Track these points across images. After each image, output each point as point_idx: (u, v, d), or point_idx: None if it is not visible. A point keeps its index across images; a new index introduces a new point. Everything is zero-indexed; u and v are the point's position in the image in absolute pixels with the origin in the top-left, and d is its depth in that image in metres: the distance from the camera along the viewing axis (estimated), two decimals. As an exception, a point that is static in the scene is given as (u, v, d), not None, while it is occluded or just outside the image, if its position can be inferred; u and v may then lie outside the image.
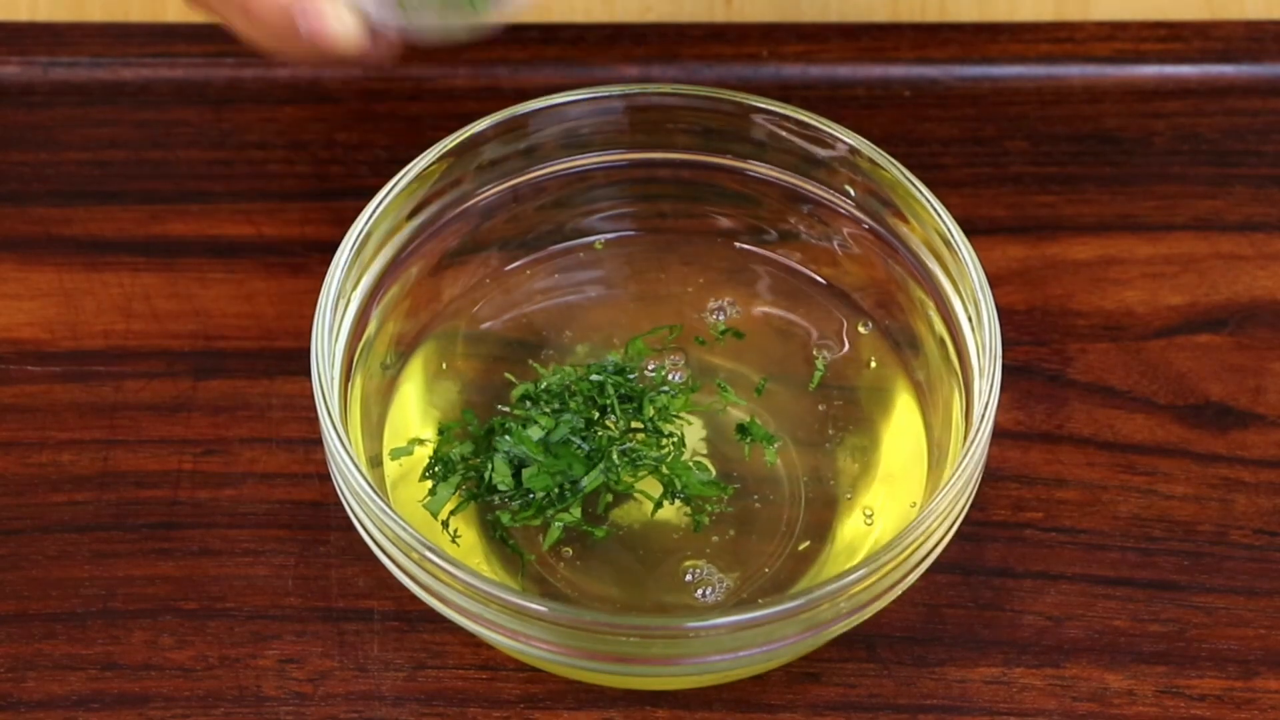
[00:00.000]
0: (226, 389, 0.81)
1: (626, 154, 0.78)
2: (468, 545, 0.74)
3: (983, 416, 0.70)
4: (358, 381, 0.74)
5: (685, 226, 0.80)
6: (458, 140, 0.75)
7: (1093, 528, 0.78)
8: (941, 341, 0.75)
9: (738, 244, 0.80)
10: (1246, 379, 0.82)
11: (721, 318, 0.79)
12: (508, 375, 0.76)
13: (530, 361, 0.77)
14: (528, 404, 0.75)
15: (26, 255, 0.85)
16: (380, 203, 0.74)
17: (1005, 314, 0.81)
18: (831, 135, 0.76)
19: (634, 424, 0.75)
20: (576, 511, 0.73)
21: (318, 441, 0.77)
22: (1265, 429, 0.80)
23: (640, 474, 0.74)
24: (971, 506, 0.72)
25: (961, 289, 0.73)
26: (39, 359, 0.82)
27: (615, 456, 0.74)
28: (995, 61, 0.90)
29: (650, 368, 0.77)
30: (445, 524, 0.73)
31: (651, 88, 0.77)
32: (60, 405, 0.81)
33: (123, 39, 0.90)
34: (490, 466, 0.73)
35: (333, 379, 0.71)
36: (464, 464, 0.74)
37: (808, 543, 0.74)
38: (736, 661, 0.68)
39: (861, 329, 0.78)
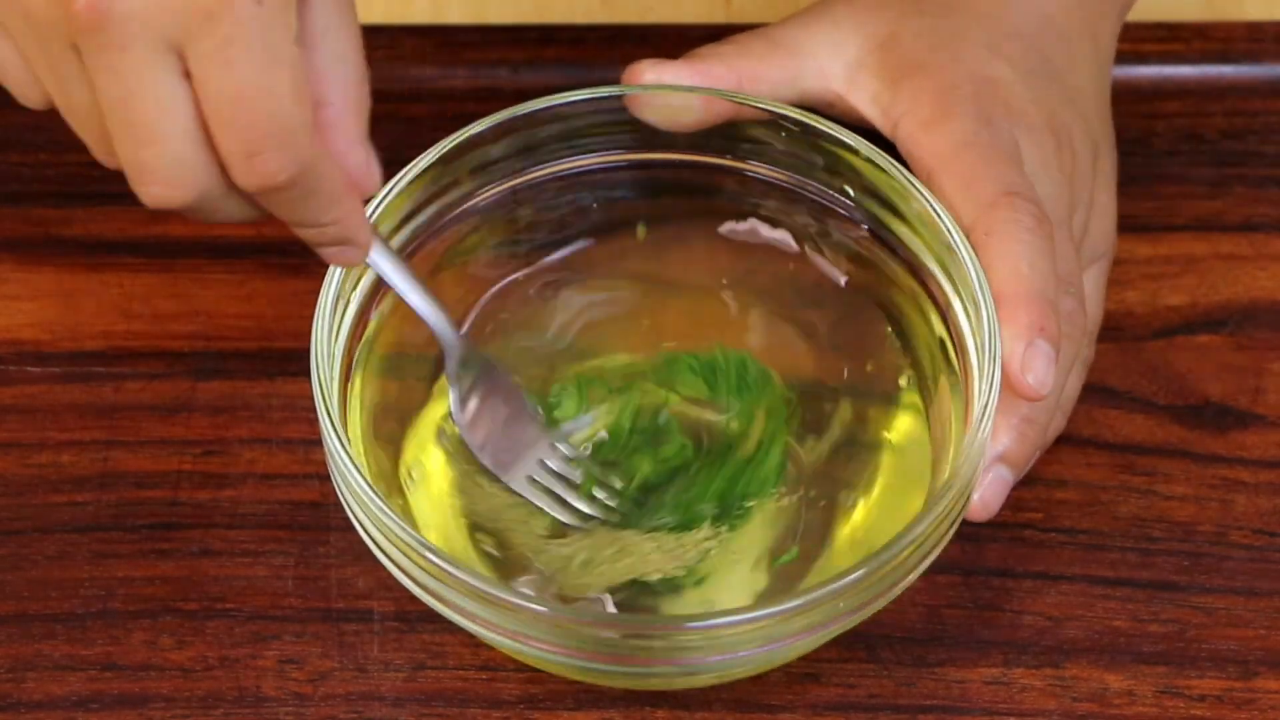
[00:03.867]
0: (226, 389, 0.81)
1: (626, 154, 0.78)
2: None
3: (983, 416, 0.70)
4: (358, 381, 0.74)
5: (685, 227, 0.80)
6: (457, 141, 0.75)
7: (1092, 528, 0.78)
8: (941, 342, 0.75)
9: (737, 245, 0.80)
10: (1246, 379, 0.82)
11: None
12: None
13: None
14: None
15: (26, 255, 0.85)
16: (380, 203, 0.74)
17: (1005, 314, 0.81)
18: (831, 135, 0.76)
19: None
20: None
21: (318, 441, 0.77)
22: (1265, 429, 0.80)
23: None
24: (971, 506, 0.72)
25: (961, 289, 0.73)
26: (39, 359, 0.82)
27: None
28: (995, 62, 0.89)
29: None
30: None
31: (651, 88, 0.77)
32: (60, 406, 0.81)
33: (123, 39, 0.90)
34: None
35: (333, 379, 0.71)
36: None
37: (809, 543, 0.74)
38: (736, 661, 0.68)
39: (864, 331, 0.78)
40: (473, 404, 0.75)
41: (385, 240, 0.71)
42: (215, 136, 0.61)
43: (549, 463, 0.75)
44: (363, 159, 0.65)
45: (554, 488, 0.75)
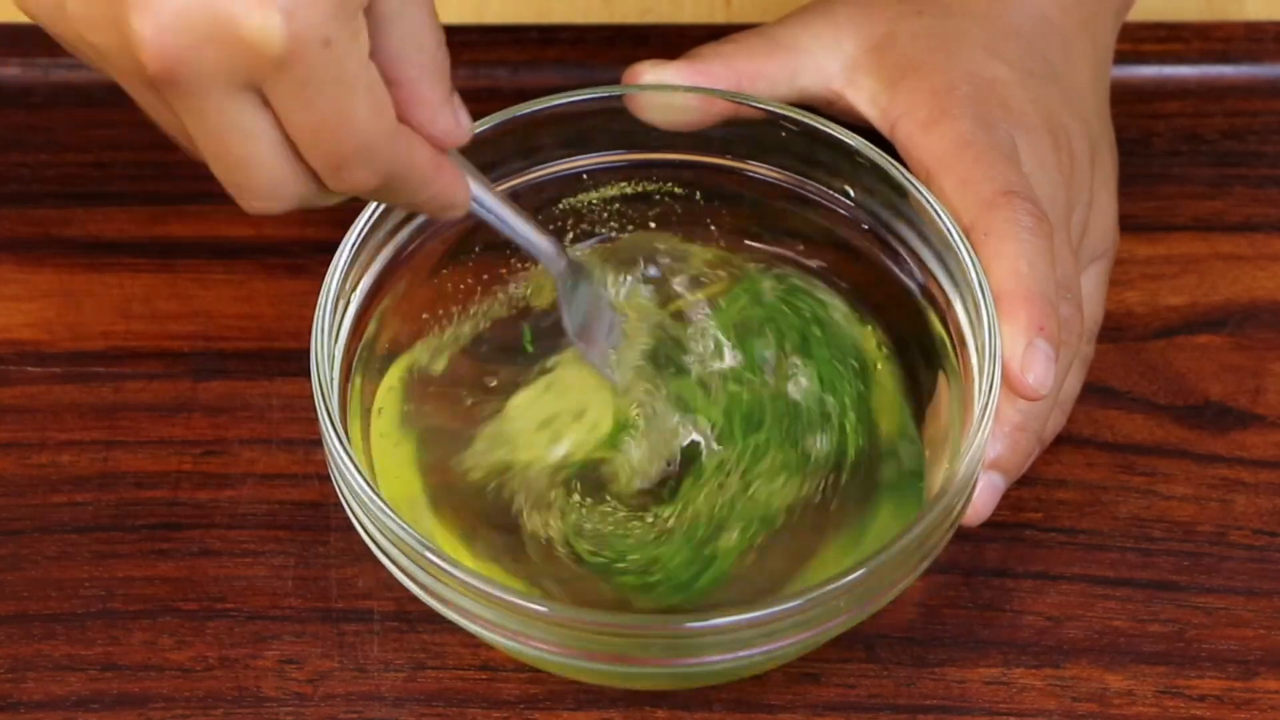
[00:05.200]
0: (226, 389, 0.81)
1: (626, 154, 0.78)
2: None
3: (983, 417, 0.70)
4: (357, 381, 0.74)
5: (684, 227, 0.80)
6: (457, 141, 0.75)
7: (1092, 528, 0.78)
8: (941, 342, 0.75)
9: (736, 245, 0.80)
10: (1246, 379, 0.82)
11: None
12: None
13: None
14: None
15: (26, 256, 0.85)
16: (380, 204, 0.74)
17: (1005, 314, 0.81)
18: (831, 135, 0.76)
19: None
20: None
21: (318, 442, 0.77)
22: (1265, 429, 0.80)
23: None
24: (971, 507, 0.72)
25: (961, 289, 0.73)
26: (39, 359, 0.82)
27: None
28: (995, 62, 0.89)
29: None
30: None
31: (651, 88, 0.77)
32: (60, 406, 0.81)
33: (123, 40, 0.90)
34: None
35: (333, 379, 0.71)
36: None
37: (807, 543, 0.74)
38: (736, 661, 0.68)
39: (862, 330, 0.78)
40: (580, 317, 0.75)
41: (484, 181, 0.71)
42: (303, 156, 0.62)
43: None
44: (448, 121, 0.66)
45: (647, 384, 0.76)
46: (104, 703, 0.74)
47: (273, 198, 0.63)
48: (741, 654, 0.68)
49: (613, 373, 0.76)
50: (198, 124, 0.61)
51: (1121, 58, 0.87)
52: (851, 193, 0.77)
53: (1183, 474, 0.79)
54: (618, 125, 0.77)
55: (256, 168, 0.62)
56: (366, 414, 0.75)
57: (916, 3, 0.78)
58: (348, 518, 0.71)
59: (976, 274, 0.72)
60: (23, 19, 0.89)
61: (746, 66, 0.77)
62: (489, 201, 0.71)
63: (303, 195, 0.64)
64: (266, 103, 0.61)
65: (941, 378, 0.75)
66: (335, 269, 0.72)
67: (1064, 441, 0.79)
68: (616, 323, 0.77)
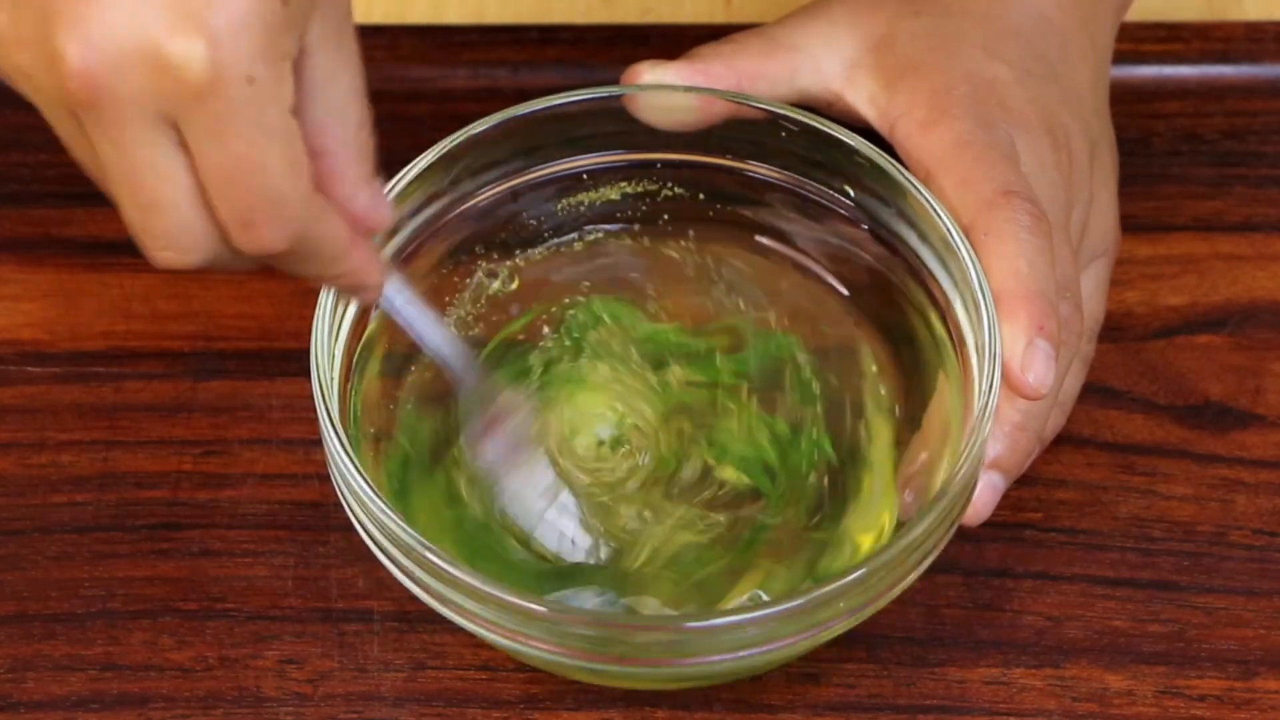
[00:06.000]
0: (226, 389, 0.81)
1: (626, 154, 0.78)
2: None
3: (983, 417, 0.70)
4: (358, 381, 0.74)
5: (684, 227, 0.80)
6: (457, 141, 0.75)
7: (1092, 528, 0.78)
8: (941, 342, 0.75)
9: (736, 245, 0.80)
10: (1246, 379, 0.82)
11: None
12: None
13: None
14: None
15: (26, 256, 0.85)
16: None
17: (1005, 314, 0.81)
18: (831, 135, 0.76)
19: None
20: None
21: (318, 442, 0.77)
22: (1265, 429, 0.80)
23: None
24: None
25: (961, 289, 0.73)
26: (39, 359, 0.82)
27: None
28: (995, 62, 0.89)
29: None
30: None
31: (651, 88, 0.77)
32: (60, 406, 0.81)
33: (123, 40, 0.90)
34: None
35: (333, 379, 0.71)
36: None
37: (808, 543, 0.74)
38: (736, 661, 0.68)
39: (861, 330, 0.78)
40: (489, 442, 0.74)
41: (401, 278, 0.70)
42: (213, 205, 0.61)
43: (563, 507, 0.75)
44: (368, 202, 0.65)
45: (566, 530, 0.74)
46: (104, 703, 0.74)
47: (181, 248, 0.62)
48: (741, 654, 0.68)
49: (518, 513, 0.74)
50: (113, 156, 0.60)
51: (1121, 58, 0.87)
52: (851, 193, 0.77)
53: (1183, 474, 0.79)
54: (618, 125, 0.77)
55: (166, 211, 0.61)
56: (367, 415, 0.75)
57: (915, 3, 0.78)
58: (348, 518, 0.71)
59: (976, 274, 0.72)
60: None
61: (746, 66, 0.77)
62: (400, 301, 0.69)
63: (212, 250, 0.62)
64: (184, 145, 0.60)
65: (941, 378, 0.75)
66: (335, 269, 0.72)
67: (1064, 441, 0.79)
68: (538, 466, 0.75)
